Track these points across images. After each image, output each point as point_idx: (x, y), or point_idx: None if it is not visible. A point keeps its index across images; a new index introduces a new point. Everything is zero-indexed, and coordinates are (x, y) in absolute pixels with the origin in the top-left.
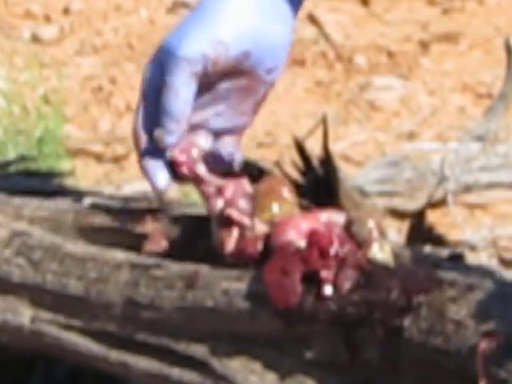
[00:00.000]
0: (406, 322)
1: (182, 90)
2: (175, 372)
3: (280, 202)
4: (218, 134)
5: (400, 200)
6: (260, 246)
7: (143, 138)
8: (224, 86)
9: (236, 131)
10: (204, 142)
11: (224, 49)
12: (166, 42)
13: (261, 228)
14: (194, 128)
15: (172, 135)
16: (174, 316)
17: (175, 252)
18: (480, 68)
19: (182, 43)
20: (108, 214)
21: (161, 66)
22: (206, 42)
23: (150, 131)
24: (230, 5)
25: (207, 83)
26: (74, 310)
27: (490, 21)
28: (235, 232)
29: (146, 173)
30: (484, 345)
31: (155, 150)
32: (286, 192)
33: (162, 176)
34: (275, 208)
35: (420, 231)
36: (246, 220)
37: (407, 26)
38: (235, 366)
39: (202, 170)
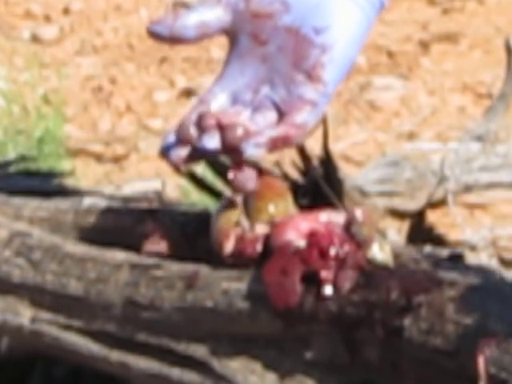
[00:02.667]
0: (406, 321)
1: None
2: (175, 372)
3: (275, 201)
4: (280, 110)
5: (400, 200)
6: (259, 247)
7: None
8: (271, 48)
9: (297, 105)
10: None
11: None
12: None
13: (260, 228)
14: (257, 107)
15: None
16: (174, 316)
17: (175, 252)
18: (480, 68)
19: None
20: (108, 214)
21: None
22: None
23: None
24: None
25: (254, 44)
26: (73, 310)
27: (490, 21)
28: (233, 234)
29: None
30: (484, 345)
31: None
32: (280, 189)
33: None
34: (271, 208)
35: (420, 231)
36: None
37: (407, 26)
38: (235, 366)
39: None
